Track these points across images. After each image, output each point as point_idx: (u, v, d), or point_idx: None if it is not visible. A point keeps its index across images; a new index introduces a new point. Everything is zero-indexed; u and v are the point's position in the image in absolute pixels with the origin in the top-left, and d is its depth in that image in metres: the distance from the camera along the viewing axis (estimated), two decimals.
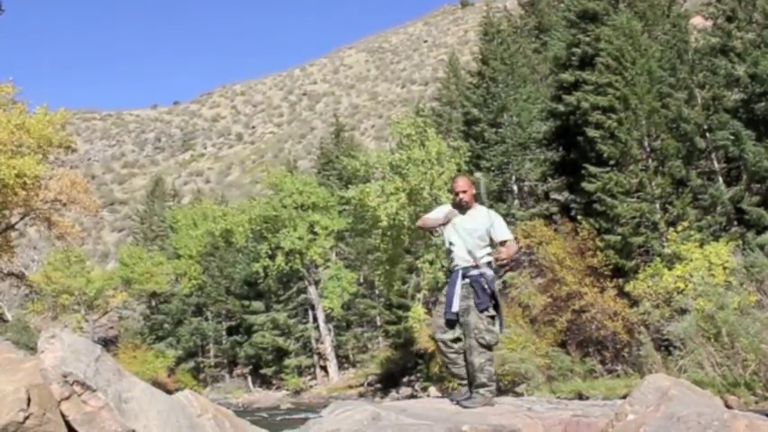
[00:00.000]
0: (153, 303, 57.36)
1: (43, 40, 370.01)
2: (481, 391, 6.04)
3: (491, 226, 6.30)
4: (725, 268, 20.64)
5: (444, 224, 6.43)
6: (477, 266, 6.18)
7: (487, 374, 6.08)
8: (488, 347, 6.08)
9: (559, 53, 30.99)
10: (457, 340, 6.22)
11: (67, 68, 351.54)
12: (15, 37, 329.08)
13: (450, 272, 6.40)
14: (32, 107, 30.46)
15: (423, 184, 28.24)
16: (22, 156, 27.79)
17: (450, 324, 6.20)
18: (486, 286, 6.12)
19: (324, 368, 44.98)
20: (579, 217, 26.18)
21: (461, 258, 6.25)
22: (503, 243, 6.30)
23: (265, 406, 36.74)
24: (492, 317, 6.14)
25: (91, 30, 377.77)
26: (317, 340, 45.03)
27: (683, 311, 20.27)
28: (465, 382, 6.22)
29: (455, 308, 6.11)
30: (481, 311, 6.05)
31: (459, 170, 29.96)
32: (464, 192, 6.36)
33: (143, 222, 68.17)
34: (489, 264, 6.28)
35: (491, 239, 6.32)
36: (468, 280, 6.16)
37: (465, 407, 5.93)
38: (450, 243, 6.36)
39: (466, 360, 6.13)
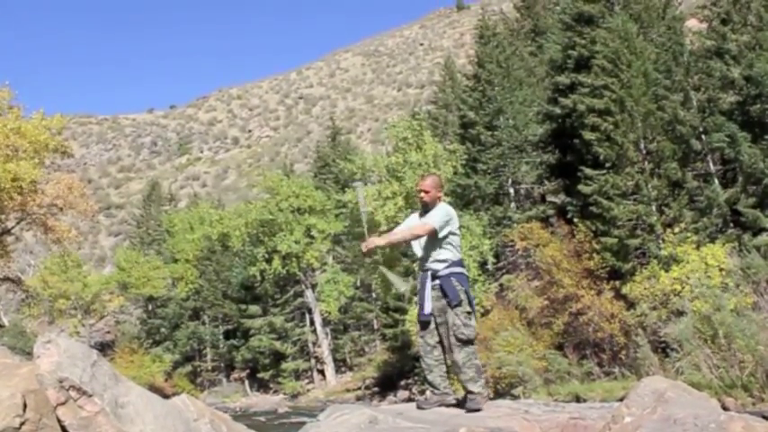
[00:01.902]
0: (150, 307, 57.27)
1: (39, 45, 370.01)
2: (474, 388, 5.98)
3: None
4: (721, 270, 20.68)
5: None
6: (447, 266, 6.13)
7: (475, 368, 6.03)
8: (467, 342, 6.01)
9: (555, 56, 31.06)
10: (437, 345, 6.17)
11: (63, 73, 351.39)
12: (11, 41, 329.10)
13: (421, 273, 6.31)
14: (29, 111, 30.48)
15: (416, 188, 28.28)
16: (18, 160, 27.77)
17: (425, 326, 6.17)
18: (456, 284, 6.07)
19: (321, 372, 44.93)
20: (576, 219, 26.22)
21: (428, 260, 6.20)
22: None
23: (263, 410, 36.71)
24: (468, 312, 6.06)
25: (87, 34, 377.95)
26: (315, 344, 44.99)
27: (679, 313, 20.30)
28: (437, 390, 6.18)
29: (427, 309, 6.08)
30: (454, 308, 6.02)
31: (455, 173, 30.00)
32: (426, 192, 6.32)
33: (140, 226, 68.09)
34: (458, 262, 6.22)
35: (451, 236, 6.20)
36: (438, 281, 6.10)
37: (470, 409, 5.88)
38: (420, 248, 6.30)
39: (451, 360, 6.11)
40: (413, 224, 6.29)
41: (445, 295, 6.04)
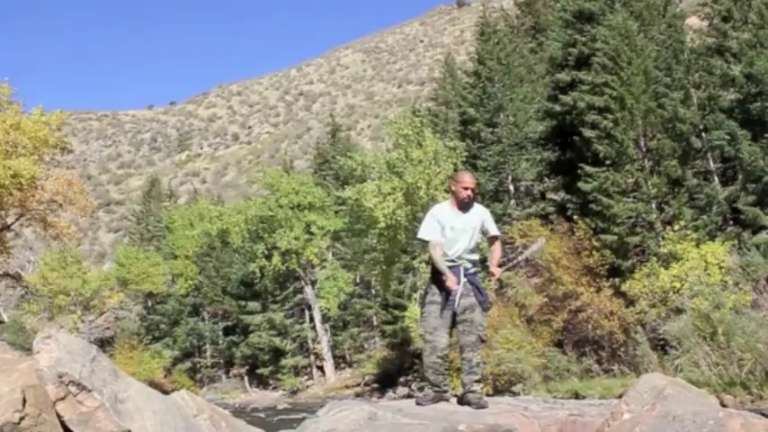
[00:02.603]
0: (149, 304, 57.25)
1: (39, 41, 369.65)
2: (479, 388, 6.05)
3: (482, 223, 6.31)
4: (721, 268, 20.69)
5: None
6: (474, 265, 6.19)
7: (481, 369, 6.20)
8: (483, 343, 6.20)
9: (556, 53, 31.05)
10: (448, 344, 6.19)
11: (63, 69, 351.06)
12: (11, 37, 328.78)
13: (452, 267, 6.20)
14: (28, 108, 30.42)
15: (420, 183, 28.21)
16: (18, 156, 27.72)
17: (445, 322, 6.14)
18: (481, 284, 6.16)
19: (320, 368, 44.94)
20: (575, 217, 26.22)
21: (462, 257, 6.19)
22: (494, 239, 6.40)
23: (262, 406, 36.71)
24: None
25: (87, 30, 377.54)
26: (314, 340, 44.99)
27: (679, 311, 20.32)
28: (437, 388, 6.17)
29: (458, 305, 6.04)
30: (485, 310, 6.11)
31: (455, 170, 29.94)
32: (473, 190, 6.31)
33: (139, 223, 68.04)
34: (477, 262, 6.30)
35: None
36: (466, 278, 6.12)
37: (480, 406, 5.90)
38: (451, 241, 6.23)
39: (462, 357, 6.12)
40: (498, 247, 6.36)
41: (480, 293, 6.12)
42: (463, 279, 6.10)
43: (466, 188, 6.25)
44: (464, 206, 6.29)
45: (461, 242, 6.17)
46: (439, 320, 6.12)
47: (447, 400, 6.17)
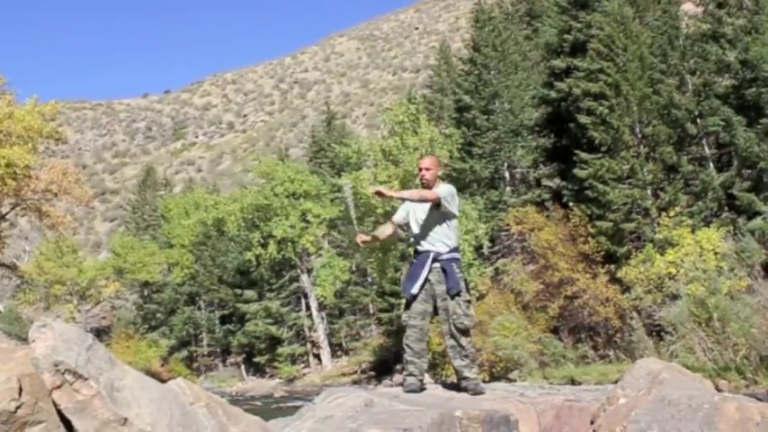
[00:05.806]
0: (145, 293, 57.25)
1: (33, 30, 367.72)
2: (471, 374, 6.01)
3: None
4: (716, 253, 20.73)
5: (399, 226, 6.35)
6: (450, 250, 6.08)
7: (473, 356, 6.07)
8: (466, 332, 6.01)
9: (551, 40, 31.01)
10: (428, 332, 6.14)
11: (57, 58, 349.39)
12: (5, 26, 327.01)
13: (417, 253, 6.16)
14: (22, 97, 30.34)
15: (416, 171, 28.20)
16: (12, 146, 27.62)
17: (407, 306, 6.08)
18: (457, 271, 6.03)
19: (317, 356, 45.05)
20: (571, 203, 26.26)
21: (429, 240, 6.08)
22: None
23: (259, 394, 36.83)
24: (467, 301, 6.04)
25: (81, 19, 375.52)
26: (310, 328, 45.07)
27: (674, 297, 20.38)
28: (420, 377, 6.10)
29: (415, 290, 5.98)
30: (454, 296, 5.96)
31: (451, 157, 29.96)
32: (427, 170, 6.18)
33: (135, 212, 67.96)
34: (457, 248, 6.19)
35: (453, 219, 6.14)
36: (438, 264, 6.02)
37: (476, 392, 5.89)
38: (414, 226, 6.18)
39: (447, 344, 6.07)
40: (429, 194, 6.02)
41: (448, 279, 5.95)
42: (430, 263, 5.98)
43: (420, 169, 6.24)
44: (424, 188, 6.22)
45: (427, 225, 6.07)
46: (422, 306, 6.04)
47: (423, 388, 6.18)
